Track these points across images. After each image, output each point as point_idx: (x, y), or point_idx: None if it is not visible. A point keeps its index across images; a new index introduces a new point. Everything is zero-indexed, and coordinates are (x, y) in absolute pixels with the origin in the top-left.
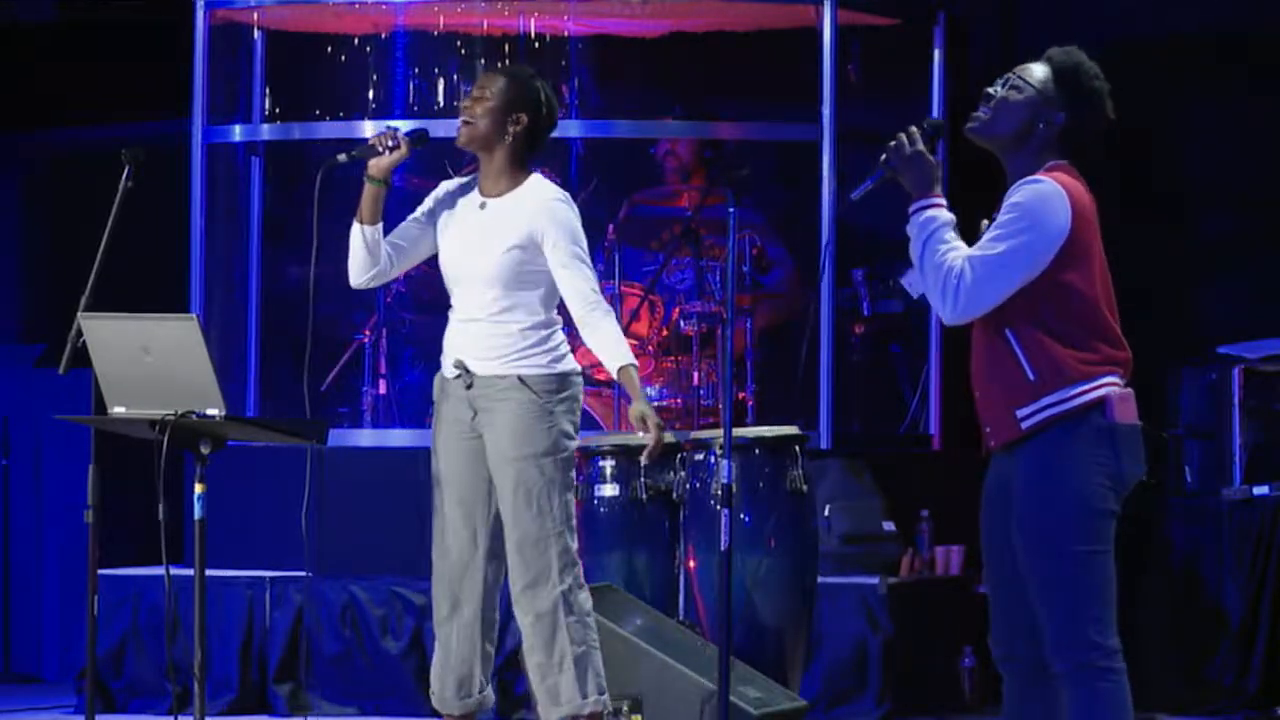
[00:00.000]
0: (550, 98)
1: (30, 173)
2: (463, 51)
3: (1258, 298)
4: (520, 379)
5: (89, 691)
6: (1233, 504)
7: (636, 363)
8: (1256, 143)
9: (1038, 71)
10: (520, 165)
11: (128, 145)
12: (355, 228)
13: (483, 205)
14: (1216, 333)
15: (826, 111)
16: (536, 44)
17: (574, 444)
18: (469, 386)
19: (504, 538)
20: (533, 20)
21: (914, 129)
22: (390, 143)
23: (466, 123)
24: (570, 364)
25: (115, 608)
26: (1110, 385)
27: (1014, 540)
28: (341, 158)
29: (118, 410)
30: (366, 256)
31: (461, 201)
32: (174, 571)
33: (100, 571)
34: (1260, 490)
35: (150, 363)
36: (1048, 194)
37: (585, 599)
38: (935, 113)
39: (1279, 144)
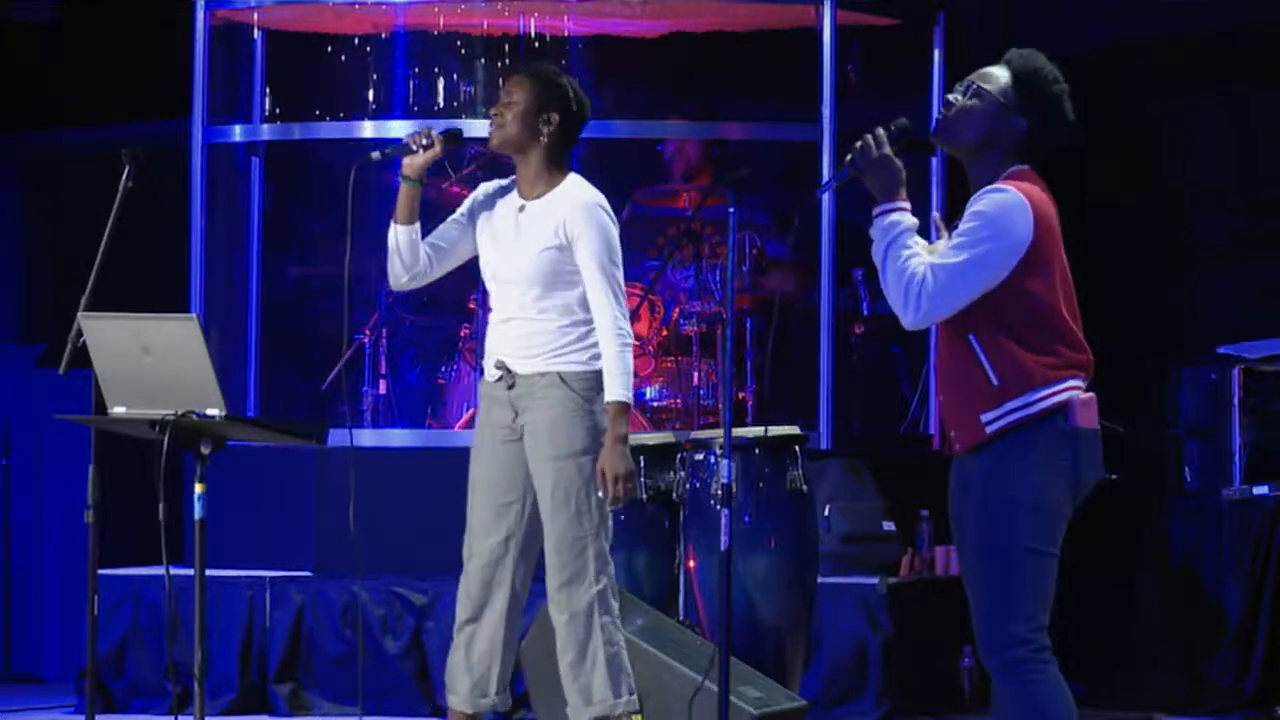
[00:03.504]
0: (579, 93)
1: (30, 173)
2: (463, 51)
3: (1257, 298)
4: (560, 376)
5: (89, 691)
6: (1233, 504)
7: (628, 402)
8: (1256, 143)
9: (998, 77)
10: (556, 165)
11: (128, 145)
12: (392, 228)
13: (521, 208)
14: (1216, 333)
15: (826, 111)
16: (536, 44)
17: None
18: (510, 387)
19: (535, 542)
20: (533, 20)
21: (880, 131)
22: (424, 141)
23: (499, 127)
24: None
25: (115, 608)
26: (1073, 389)
27: (966, 536)
28: (375, 155)
29: (118, 410)
30: (405, 257)
31: (501, 203)
32: (174, 571)
33: (100, 571)
34: (1260, 490)
35: (150, 363)
36: (1010, 204)
37: (616, 602)
38: (935, 112)
39: (1279, 144)
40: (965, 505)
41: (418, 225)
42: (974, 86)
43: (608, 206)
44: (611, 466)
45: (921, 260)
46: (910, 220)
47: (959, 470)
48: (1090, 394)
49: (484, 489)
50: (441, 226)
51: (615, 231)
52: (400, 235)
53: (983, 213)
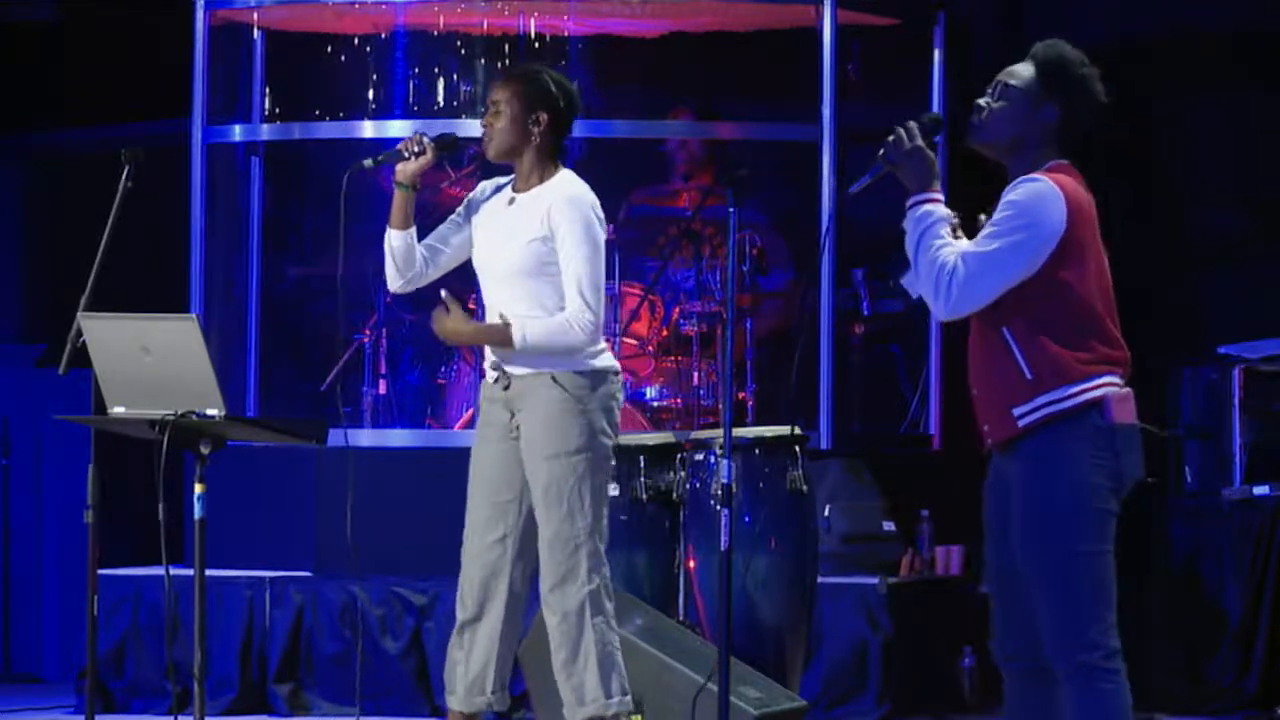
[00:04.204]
0: (565, 86)
1: (30, 173)
2: (463, 51)
3: (1258, 297)
4: (553, 377)
5: (89, 691)
6: (1233, 504)
7: (515, 344)
8: (1257, 142)
9: (1024, 72)
10: (550, 160)
11: (128, 145)
12: (387, 233)
13: (512, 200)
14: (1216, 333)
15: (826, 111)
16: (536, 44)
17: (610, 442)
18: (506, 388)
19: (533, 541)
20: (533, 20)
21: (913, 124)
22: (416, 148)
23: (490, 139)
24: (606, 361)
25: (115, 608)
26: (1109, 385)
27: (1013, 539)
28: (368, 163)
29: (118, 410)
30: (400, 261)
31: (495, 199)
32: (174, 571)
33: (100, 571)
34: (1260, 490)
35: (150, 363)
36: (1044, 193)
37: (611, 602)
38: (935, 111)
39: (1279, 144)
40: (1006, 507)
41: (413, 229)
42: (1000, 86)
43: (597, 206)
44: (445, 329)
45: (953, 249)
46: (944, 211)
47: (996, 469)
48: (1127, 389)
49: (482, 488)
50: (439, 228)
51: (600, 233)
52: (395, 240)
53: (1016, 201)
